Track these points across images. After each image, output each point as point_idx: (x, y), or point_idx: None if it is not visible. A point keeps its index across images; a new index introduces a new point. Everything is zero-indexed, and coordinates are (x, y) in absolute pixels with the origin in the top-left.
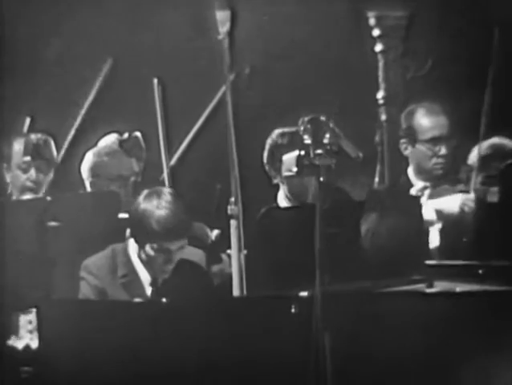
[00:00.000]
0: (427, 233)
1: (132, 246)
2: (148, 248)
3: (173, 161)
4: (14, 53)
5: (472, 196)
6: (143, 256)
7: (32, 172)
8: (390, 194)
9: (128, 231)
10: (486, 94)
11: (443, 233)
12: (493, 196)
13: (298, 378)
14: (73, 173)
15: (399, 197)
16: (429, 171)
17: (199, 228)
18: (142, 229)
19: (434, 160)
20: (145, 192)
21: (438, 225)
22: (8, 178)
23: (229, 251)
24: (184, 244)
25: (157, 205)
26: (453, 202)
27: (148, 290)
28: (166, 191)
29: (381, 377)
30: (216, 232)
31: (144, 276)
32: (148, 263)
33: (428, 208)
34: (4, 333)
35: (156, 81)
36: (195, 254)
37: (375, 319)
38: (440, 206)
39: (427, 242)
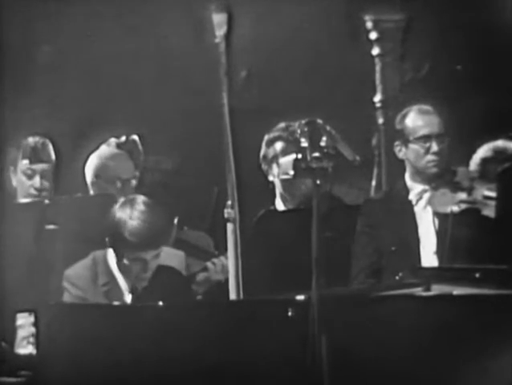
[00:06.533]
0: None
1: (111, 254)
2: (123, 257)
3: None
4: (14, 54)
5: None
6: (120, 265)
7: (37, 180)
8: (385, 203)
9: (107, 239)
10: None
11: (439, 236)
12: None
13: (294, 382)
14: (72, 176)
15: (394, 204)
16: (423, 169)
17: (201, 238)
18: (117, 239)
19: (427, 158)
20: (121, 200)
21: (435, 229)
22: (14, 182)
23: (214, 259)
24: (160, 252)
25: (130, 215)
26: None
27: (129, 298)
28: (140, 200)
29: (378, 380)
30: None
31: (124, 284)
32: (124, 272)
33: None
34: (1, 336)
35: None
36: (174, 257)
37: (371, 323)
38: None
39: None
